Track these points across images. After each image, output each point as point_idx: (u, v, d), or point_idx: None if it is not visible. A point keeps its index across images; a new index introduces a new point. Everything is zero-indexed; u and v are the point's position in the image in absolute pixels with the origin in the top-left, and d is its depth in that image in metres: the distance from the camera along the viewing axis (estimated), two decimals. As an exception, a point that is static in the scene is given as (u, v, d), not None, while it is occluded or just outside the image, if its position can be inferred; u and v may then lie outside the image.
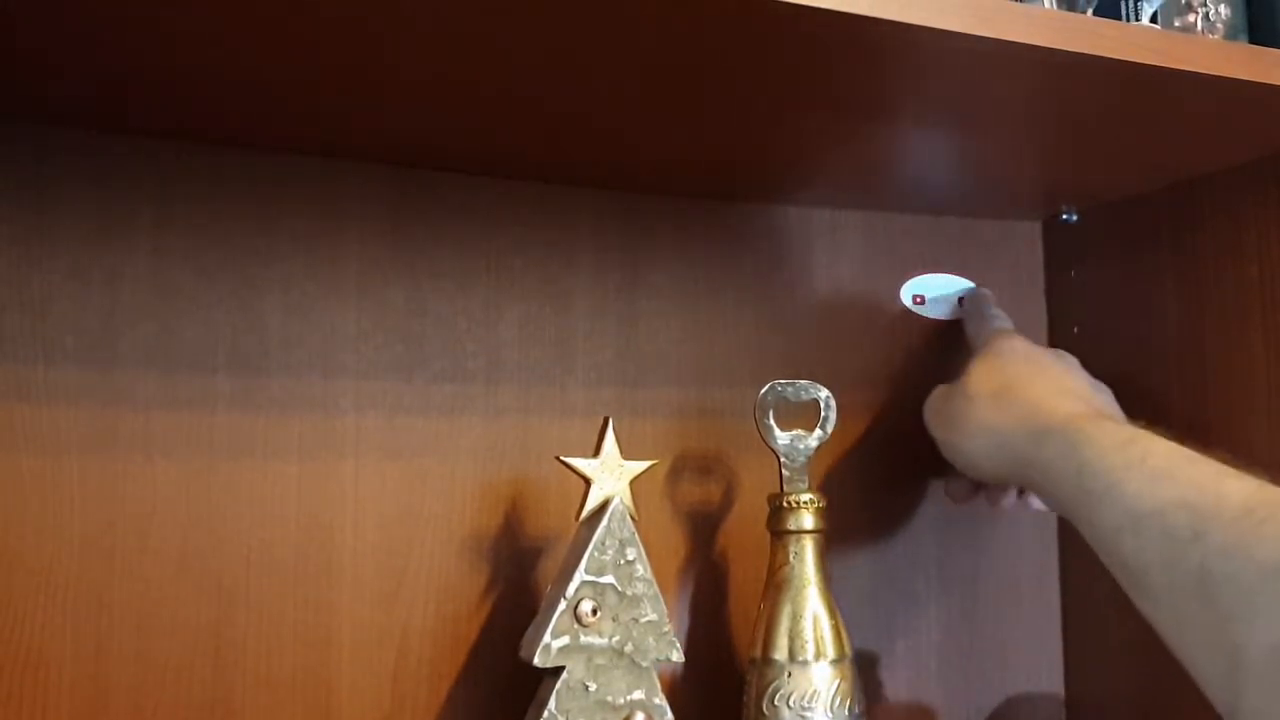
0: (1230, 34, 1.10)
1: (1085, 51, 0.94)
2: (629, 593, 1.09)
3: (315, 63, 0.94)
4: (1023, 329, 1.43)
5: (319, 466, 1.16)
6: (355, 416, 1.19)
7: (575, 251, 1.30)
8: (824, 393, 1.25)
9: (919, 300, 1.49)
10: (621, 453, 1.11)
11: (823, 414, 1.24)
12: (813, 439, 1.23)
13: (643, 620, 1.09)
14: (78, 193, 1.09)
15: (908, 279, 1.49)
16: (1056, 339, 1.52)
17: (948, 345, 1.48)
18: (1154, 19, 1.08)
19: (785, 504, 1.18)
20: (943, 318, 1.50)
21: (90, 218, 1.10)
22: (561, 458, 1.10)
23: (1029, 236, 1.53)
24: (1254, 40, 1.17)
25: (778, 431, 1.22)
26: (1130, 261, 1.41)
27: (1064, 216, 1.50)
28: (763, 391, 1.23)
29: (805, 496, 1.18)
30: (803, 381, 1.25)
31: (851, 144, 1.17)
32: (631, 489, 1.12)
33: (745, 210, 1.39)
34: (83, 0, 0.81)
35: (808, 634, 1.14)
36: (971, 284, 1.51)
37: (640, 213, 1.33)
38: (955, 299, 1.51)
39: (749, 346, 1.37)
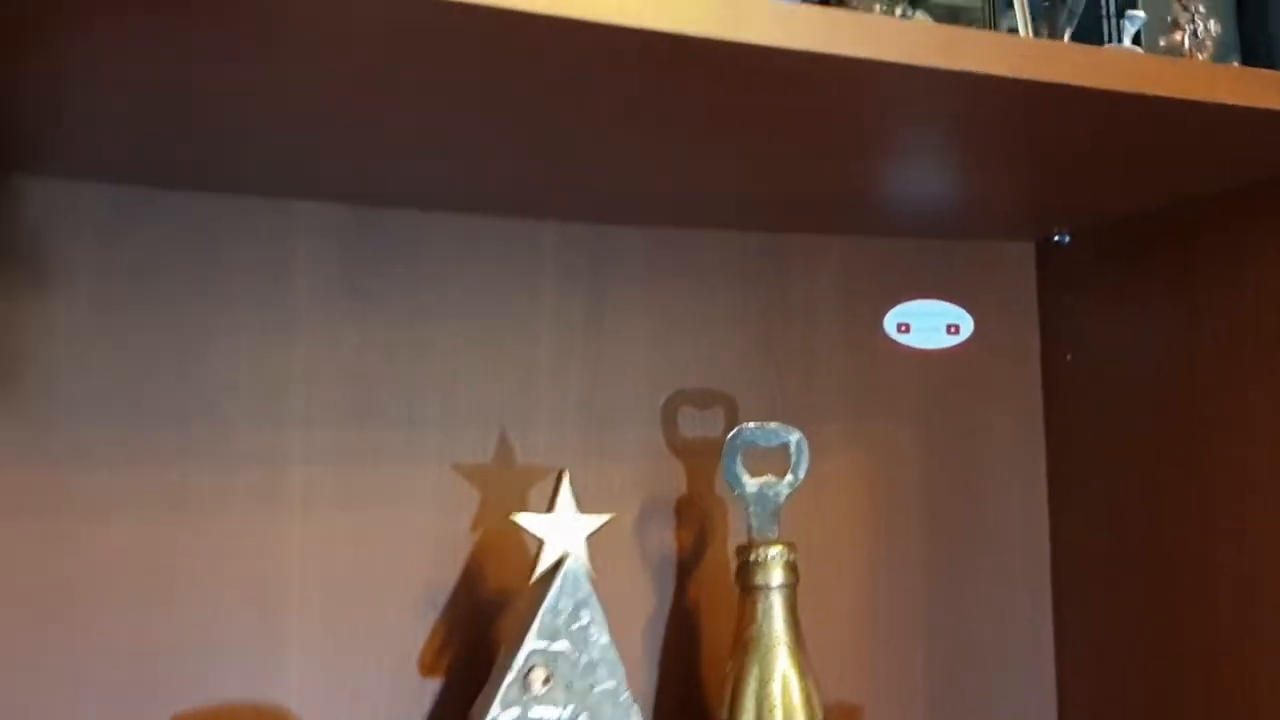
0: (1221, 52, 1.03)
1: (1051, 80, 0.88)
2: (584, 659, 1.03)
3: (273, 108, 0.88)
4: (1015, 355, 1.36)
5: (264, 521, 1.10)
6: (304, 467, 1.13)
7: (538, 286, 1.24)
8: (795, 436, 1.18)
9: (904, 329, 1.42)
10: (584, 503, 1.05)
11: (794, 458, 1.17)
12: (784, 485, 1.17)
13: (598, 688, 1.03)
14: (9, 240, 1.04)
15: (892, 306, 1.41)
16: (1050, 366, 1.45)
17: (934, 375, 1.41)
18: (1137, 39, 1.00)
19: (753, 558, 1.12)
20: (930, 347, 1.43)
21: (23, 265, 1.04)
22: (514, 517, 1.04)
23: (1022, 259, 1.46)
24: (1246, 58, 1.09)
25: (746, 478, 1.16)
26: (1124, 285, 1.34)
27: (1056, 238, 1.43)
28: (729, 436, 1.16)
29: (774, 550, 1.11)
30: (772, 425, 1.18)
31: (828, 171, 1.10)
32: (592, 543, 1.06)
33: (718, 237, 1.33)
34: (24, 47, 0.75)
35: (775, 698, 1.07)
36: (962, 310, 1.44)
37: (606, 243, 1.27)
38: (944, 326, 1.44)
39: (722, 381, 1.31)
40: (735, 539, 1.16)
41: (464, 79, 0.83)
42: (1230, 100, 0.93)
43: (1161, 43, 1.00)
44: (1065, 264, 1.42)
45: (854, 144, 1.02)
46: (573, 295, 1.24)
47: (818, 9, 0.80)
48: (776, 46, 0.77)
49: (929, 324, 1.43)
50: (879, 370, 1.39)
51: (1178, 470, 1.27)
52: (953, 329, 1.44)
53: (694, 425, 1.29)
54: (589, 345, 1.25)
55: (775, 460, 1.16)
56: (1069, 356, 1.42)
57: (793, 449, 1.18)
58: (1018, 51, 0.87)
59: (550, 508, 1.06)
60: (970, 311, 1.44)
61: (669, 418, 1.29)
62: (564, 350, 1.24)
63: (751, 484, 1.16)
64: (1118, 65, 0.90)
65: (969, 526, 1.39)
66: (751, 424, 1.17)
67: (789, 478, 1.17)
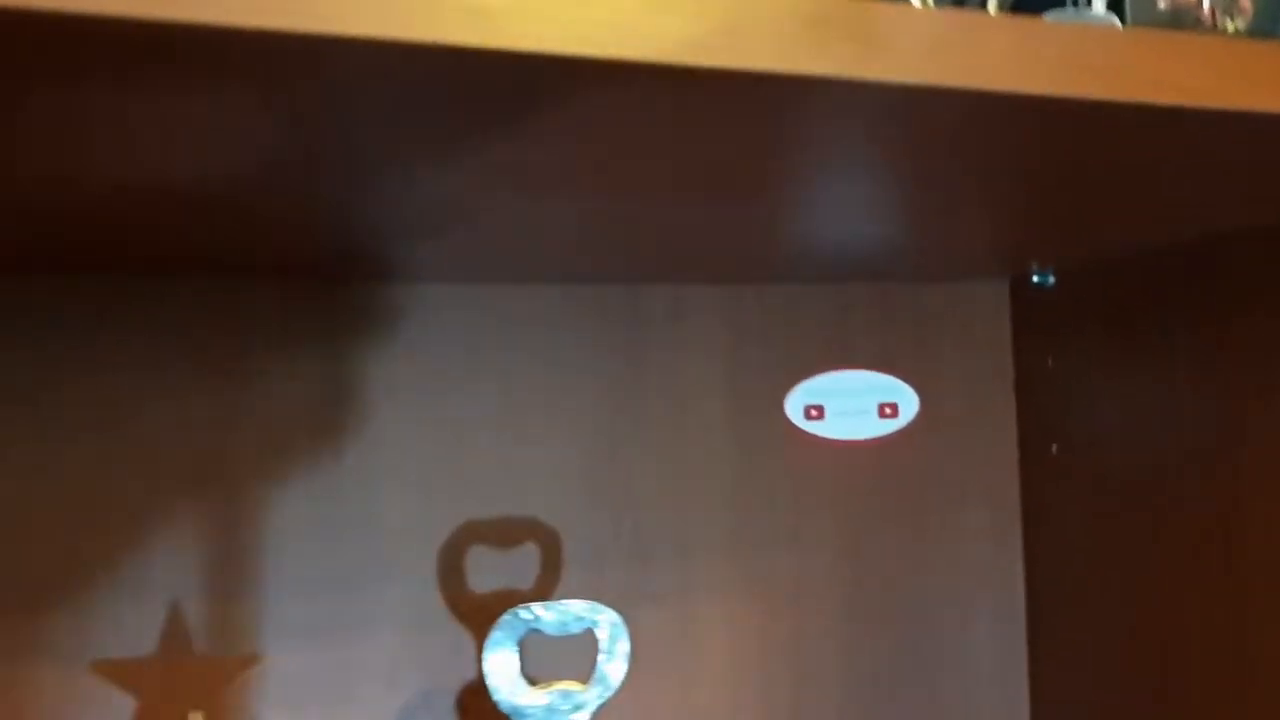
0: (1266, 20, 0.59)
1: (958, 86, 0.46)
2: None
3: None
4: (979, 446, 0.95)
5: None
6: None
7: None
8: (607, 618, 0.77)
9: (814, 413, 1.00)
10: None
11: (605, 653, 0.76)
12: (587, 698, 0.76)
13: None
14: None
15: (797, 380, 0.99)
16: (1031, 460, 1.02)
17: (862, 479, 0.99)
18: (1118, 3, 0.57)
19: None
20: (852, 439, 1.01)
21: None
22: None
23: (993, 302, 1.03)
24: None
25: (522, 693, 0.75)
26: (1125, 342, 0.91)
27: (1036, 278, 1.00)
28: (494, 632, 0.75)
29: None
30: (572, 605, 0.77)
31: (740, 213, 0.69)
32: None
33: (611, 291, 0.92)
34: None
35: None
36: (900, 384, 1.01)
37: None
38: (874, 408, 1.01)
39: (540, 505, 0.90)
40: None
41: None
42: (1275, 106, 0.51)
43: (1162, 4, 0.57)
44: (1048, 311, 0.99)
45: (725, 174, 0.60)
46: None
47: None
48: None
49: (852, 405, 1.00)
50: (780, 475, 0.97)
51: (1196, 604, 0.85)
52: (887, 411, 1.01)
53: (493, 572, 0.88)
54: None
55: (580, 655, 0.75)
56: (1054, 447, 0.99)
57: (604, 640, 0.77)
58: (936, 29, 0.45)
59: None
60: (916, 384, 1.01)
61: (451, 563, 0.88)
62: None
63: (531, 701, 0.75)
64: (1076, 52, 0.48)
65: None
66: (528, 606, 0.76)
67: (596, 687, 0.76)
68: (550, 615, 0.77)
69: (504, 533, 0.92)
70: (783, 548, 0.99)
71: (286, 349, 0.86)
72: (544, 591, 0.92)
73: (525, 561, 0.92)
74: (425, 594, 0.89)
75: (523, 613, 0.77)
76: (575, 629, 0.77)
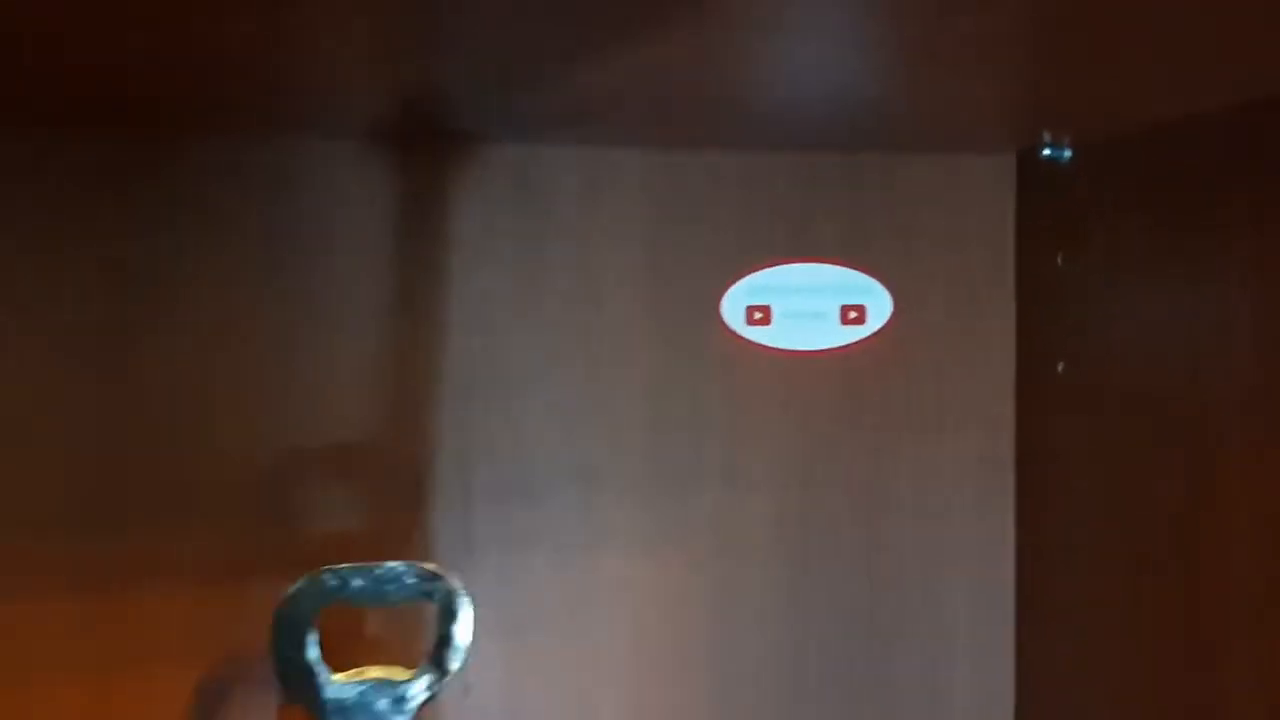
0: None
1: None
2: None
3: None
4: (975, 363, 0.76)
5: None
6: None
7: None
8: (442, 586, 0.58)
9: (758, 316, 0.80)
10: None
11: (444, 635, 0.58)
12: (414, 690, 0.58)
13: None
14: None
15: (739, 274, 0.79)
16: (1030, 382, 0.82)
17: (818, 404, 0.80)
18: None
19: None
20: (805, 350, 0.80)
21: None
22: None
23: (992, 182, 0.83)
24: None
25: (324, 675, 0.56)
26: (1158, 236, 0.71)
27: (1047, 151, 0.78)
28: (283, 604, 0.57)
29: None
30: (395, 566, 0.58)
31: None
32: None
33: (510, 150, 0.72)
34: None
35: None
36: (873, 281, 0.81)
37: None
38: (836, 311, 0.81)
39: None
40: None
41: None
42: None
43: None
44: (1061, 194, 0.78)
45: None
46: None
47: None
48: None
49: (807, 307, 0.80)
50: (711, 393, 0.77)
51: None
52: (852, 315, 0.81)
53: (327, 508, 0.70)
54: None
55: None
56: (1061, 366, 0.79)
57: (447, 611, 0.58)
58: None
59: None
60: (890, 282, 0.80)
61: (275, 492, 0.70)
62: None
63: (337, 689, 0.56)
64: None
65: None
66: (341, 570, 0.57)
67: (424, 675, 0.58)
68: (360, 582, 0.58)
69: (342, 458, 0.72)
70: (712, 486, 0.79)
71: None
72: (382, 536, 0.73)
73: (372, 496, 0.73)
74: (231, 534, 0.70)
75: (327, 578, 0.58)
76: (396, 599, 0.58)
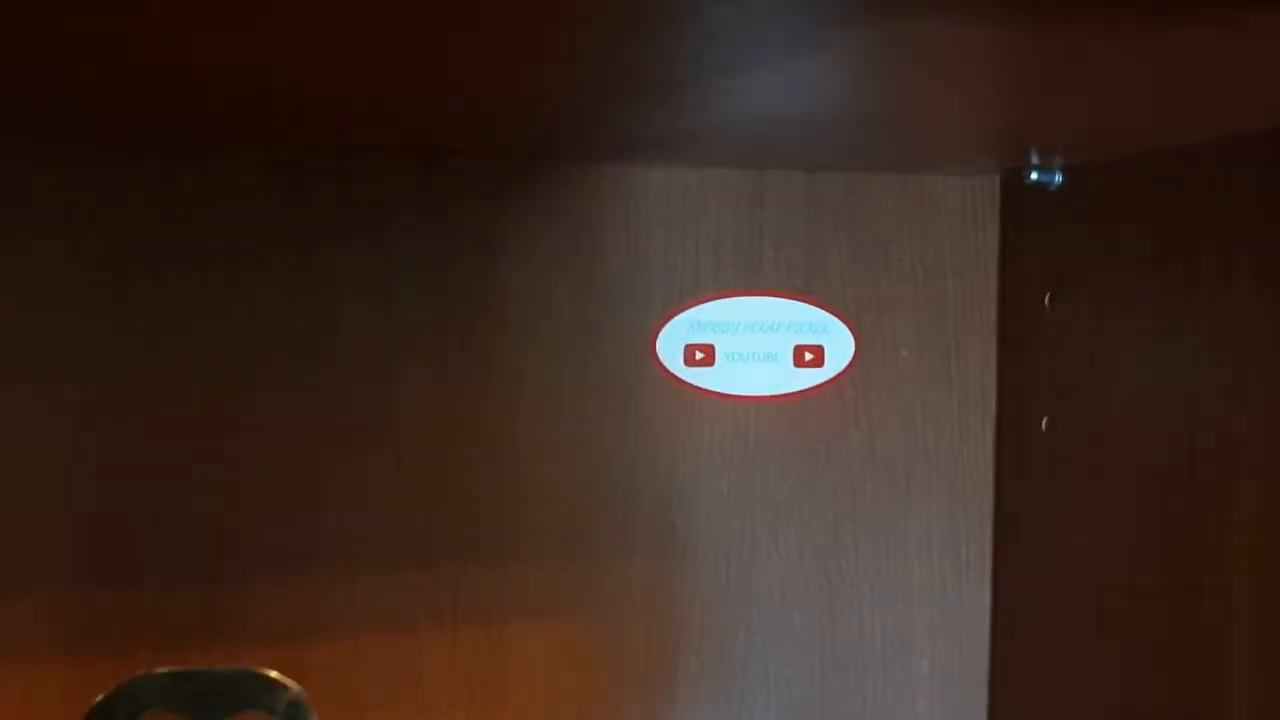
0: None
1: None
2: None
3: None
4: (949, 419, 0.67)
5: None
6: None
7: None
8: (283, 698, 0.47)
9: (700, 357, 0.69)
10: None
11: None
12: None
13: None
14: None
15: (684, 304, 0.68)
16: (1012, 441, 0.72)
17: (761, 447, 0.69)
18: None
19: None
20: (753, 396, 0.70)
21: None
22: None
23: (972, 208, 0.73)
24: None
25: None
26: (1162, 275, 0.61)
27: (1035, 175, 0.68)
28: (103, 697, 0.45)
29: None
30: (221, 675, 0.47)
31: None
32: None
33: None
34: None
35: None
36: (830, 318, 0.70)
37: None
38: (790, 350, 0.70)
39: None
40: None
41: None
42: None
43: None
44: (1051, 227, 0.68)
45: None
46: None
47: None
48: None
49: (755, 347, 0.69)
50: (642, 444, 0.67)
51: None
52: (808, 356, 0.70)
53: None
54: None
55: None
56: (1044, 423, 0.69)
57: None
58: None
59: None
60: (852, 320, 0.70)
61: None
62: None
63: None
64: None
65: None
66: (160, 674, 0.46)
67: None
68: (185, 687, 0.47)
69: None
70: (642, 553, 0.68)
71: None
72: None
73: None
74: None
75: (143, 684, 0.47)
76: (228, 711, 0.47)
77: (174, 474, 0.62)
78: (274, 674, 0.48)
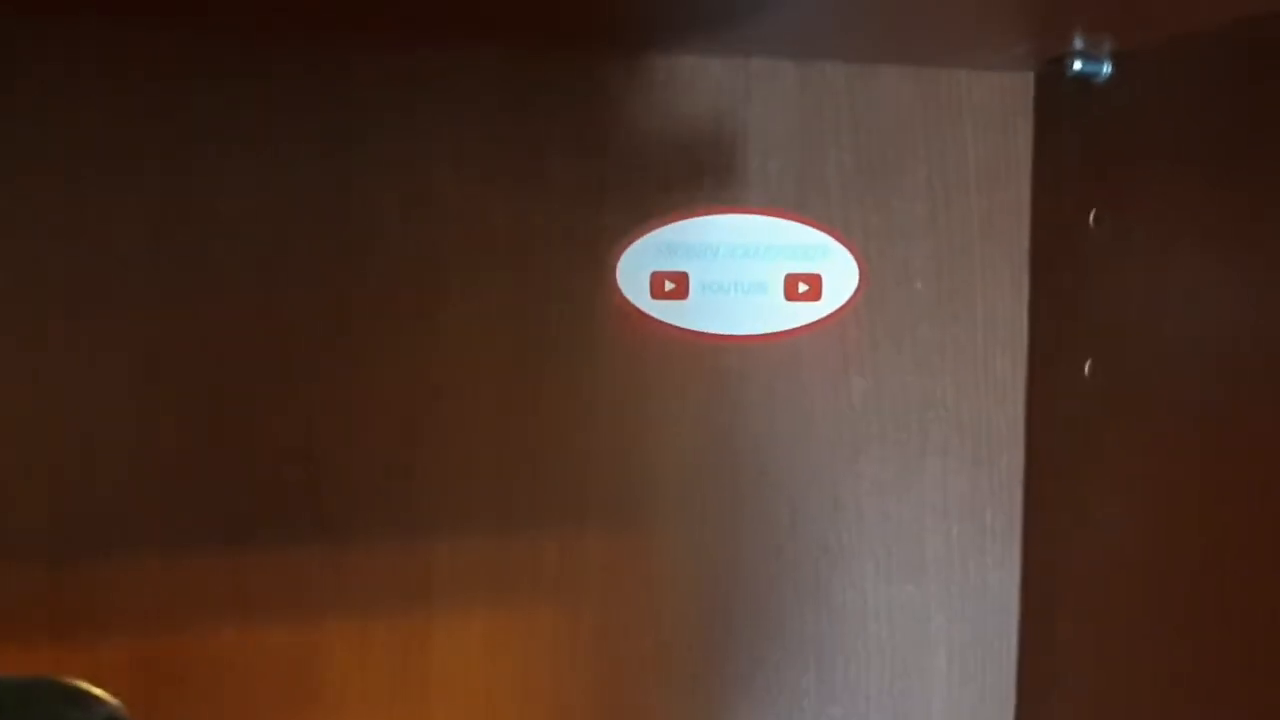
0: None
1: None
2: None
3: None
4: (974, 359, 0.57)
5: None
6: None
7: None
8: (105, 711, 0.35)
9: (670, 285, 0.57)
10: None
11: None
12: None
13: None
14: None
15: (653, 224, 0.57)
16: (1047, 386, 0.60)
17: (750, 393, 0.58)
18: None
19: None
20: (733, 335, 0.58)
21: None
22: None
23: (1000, 108, 0.61)
24: None
25: None
26: (1230, 186, 0.48)
27: (1078, 65, 0.56)
28: None
29: None
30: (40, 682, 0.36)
31: None
32: None
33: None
34: None
35: None
36: (830, 241, 0.58)
37: None
38: (779, 283, 0.58)
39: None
40: None
41: None
42: None
43: None
44: (1097, 126, 0.55)
45: None
46: None
47: None
48: None
49: (738, 274, 0.58)
50: (594, 393, 0.55)
51: None
52: (802, 287, 0.58)
53: None
54: None
55: None
56: (1088, 366, 0.57)
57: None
58: None
59: None
60: (857, 242, 0.58)
61: None
62: None
63: None
64: None
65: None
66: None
67: None
68: None
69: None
70: (596, 524, 0.57)
71: None
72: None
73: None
74: None
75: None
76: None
77: None
78: (83, 684, 0.37)
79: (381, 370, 0.54)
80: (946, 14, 0.50)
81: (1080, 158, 0.59)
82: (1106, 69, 0.56)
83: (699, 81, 0.57)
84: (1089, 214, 0.58)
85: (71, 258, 0.50)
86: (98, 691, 0.37)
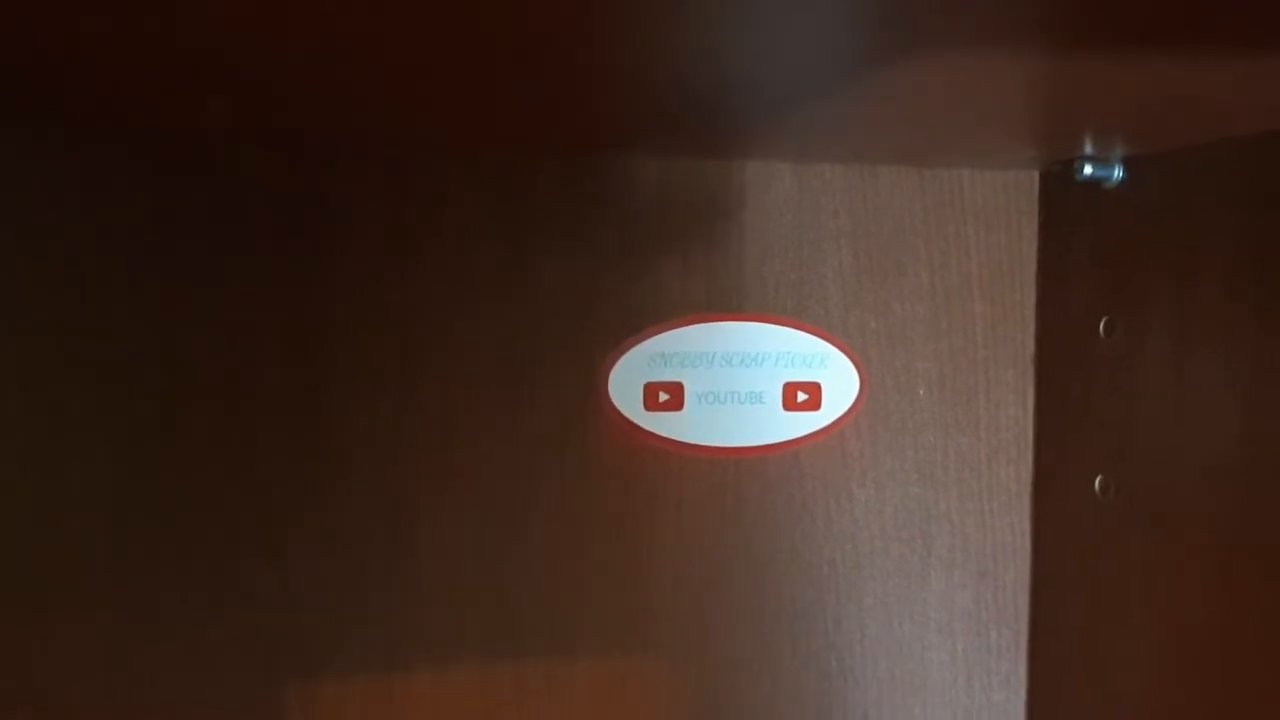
0: None
1: None
2: None
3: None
4: (980, 478, 0.52)
5: None
6: None
7: None
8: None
9: (666, 399, 0.54)
10: None
11: None
12: None
13: None
14: None
15: (647, 330, 0.54)
16: (1052, 502, 0.58)
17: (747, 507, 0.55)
18: None
19: None
20: (732, 449, 0.55)
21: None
22: None
23: (1005, 211, 0.58)
24: None
25: None
26: (1254, 297, 0.45)
27: (1088, 169, 0.54)
28: None
29: None
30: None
31: None
32: None
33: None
34: None
35: None
36: (830, 348, 0.56)
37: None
38: (777, 393, 0.56)
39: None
40: None
41: None
42: None
43: None
44: (1103, 234, 0.53)
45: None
46: None
47: None
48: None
49: (735, 384, 0.55)
50: (590, 511, 0.52)
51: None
52: (802, 396, 0.56)
53: None
54: None
55: None
56: (1099, 483, 0.54)
57: None
58: None
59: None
60: (856, 351, 0.55)
61: None
62: None
63: None
64: None
65: None
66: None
67: None
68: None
69: None
70: (588, 650, 0.53)
71: None
72: None
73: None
74: None
75: None
76: None
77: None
78: None
79: (359, 491, 0.51)
80: (950, 123, 0.48)
81: (1090, 262, 0.56)
82: (1118, 173, 0.54)
83: (693, 184, 0.54)
84: (1098, 321, 0.55)
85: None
86: None
